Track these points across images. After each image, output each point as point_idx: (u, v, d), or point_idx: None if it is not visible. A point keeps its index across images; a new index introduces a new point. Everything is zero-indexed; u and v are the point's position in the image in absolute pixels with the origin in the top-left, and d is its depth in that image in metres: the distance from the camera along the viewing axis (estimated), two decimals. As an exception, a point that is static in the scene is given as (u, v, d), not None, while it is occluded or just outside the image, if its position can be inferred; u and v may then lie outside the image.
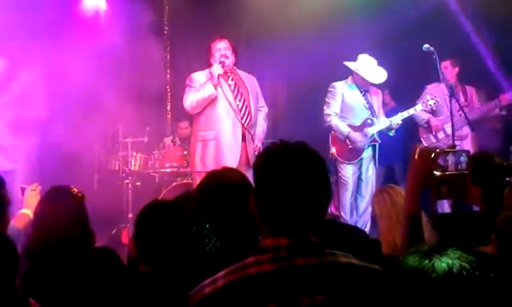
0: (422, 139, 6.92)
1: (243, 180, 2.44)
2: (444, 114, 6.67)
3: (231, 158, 5.37)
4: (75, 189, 3.07)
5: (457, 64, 6.84)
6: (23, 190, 3.69)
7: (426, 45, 5.82)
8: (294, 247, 1.66)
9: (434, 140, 6.83)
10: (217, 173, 2.53)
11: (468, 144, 6.66)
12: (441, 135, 6.78)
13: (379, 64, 6.30)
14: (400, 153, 7.30)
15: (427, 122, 6.84)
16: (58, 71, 5.99)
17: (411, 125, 6.97)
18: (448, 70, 6.73)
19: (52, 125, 6.04)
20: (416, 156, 2.41)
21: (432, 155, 2.41)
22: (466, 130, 6.71)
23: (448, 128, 6.71)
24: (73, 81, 6.18)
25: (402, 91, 7.46)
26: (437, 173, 2.44)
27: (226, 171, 2.55)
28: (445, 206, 4.36)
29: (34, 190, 3.65)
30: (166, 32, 7.84)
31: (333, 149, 6.27)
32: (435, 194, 2.51)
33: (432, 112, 6.73)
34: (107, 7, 7.53)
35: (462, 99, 6.86)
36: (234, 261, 1.72)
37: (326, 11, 7.57)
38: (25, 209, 3.57)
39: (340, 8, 7.54)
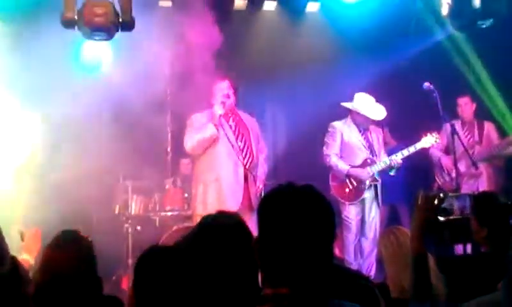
0: (436, 178, 6.85)
1: (236, 223, 2.38)
2: (456, 152, 6.61)
3: (233, 200, 5.30)
4: (84, 235, 3.01)
5: (475, 101, 6.84)
6: (22, 234, 3.62)
7: (426, 84, 5.83)
8: (296, 298, 1.59)
9: (447, 179, 6.75)
10: (209, 217, 2.47)
11: (483, 182, 6.60)
12: (454, 173, 6.67)
13: (380, 102, 6.30)
14: (404, 193, 7.24)
15: (439, 161, 6.80)
16: (58, 114, 5.99)
17: (414, 164, 6.92)
18: (468, 106, 6.75)
19: (52, 169, 6.01)
20: (419, 202, 2.38)
21: (436, 201, 2.39)
22: (481, 167, 6.62)
23: (461, 166, 6.59)
24: (72, 123, 6.17)
25: (402, 129, 7.45)
26: (441, 219, 2.43)
27: (219, 214, 2.49)
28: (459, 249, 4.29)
29: (35, 235, 3.59)
30: (166, 73, 7.86)
31: (334, 190, 6.22)
32: (438, 240, 2.49)
33: (446, 150, 6.68)
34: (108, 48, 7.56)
35: (476, 136, 6.82)
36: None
37: (327, 51, 7.64)
38: (25, 255, 3.50)
39: (341, 48, 7.61)
